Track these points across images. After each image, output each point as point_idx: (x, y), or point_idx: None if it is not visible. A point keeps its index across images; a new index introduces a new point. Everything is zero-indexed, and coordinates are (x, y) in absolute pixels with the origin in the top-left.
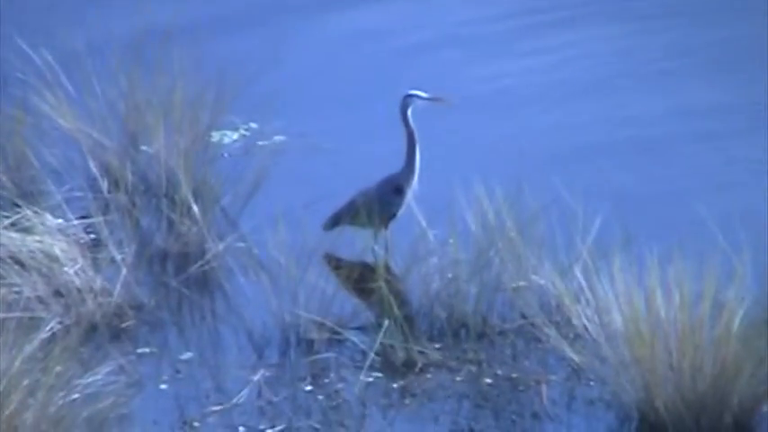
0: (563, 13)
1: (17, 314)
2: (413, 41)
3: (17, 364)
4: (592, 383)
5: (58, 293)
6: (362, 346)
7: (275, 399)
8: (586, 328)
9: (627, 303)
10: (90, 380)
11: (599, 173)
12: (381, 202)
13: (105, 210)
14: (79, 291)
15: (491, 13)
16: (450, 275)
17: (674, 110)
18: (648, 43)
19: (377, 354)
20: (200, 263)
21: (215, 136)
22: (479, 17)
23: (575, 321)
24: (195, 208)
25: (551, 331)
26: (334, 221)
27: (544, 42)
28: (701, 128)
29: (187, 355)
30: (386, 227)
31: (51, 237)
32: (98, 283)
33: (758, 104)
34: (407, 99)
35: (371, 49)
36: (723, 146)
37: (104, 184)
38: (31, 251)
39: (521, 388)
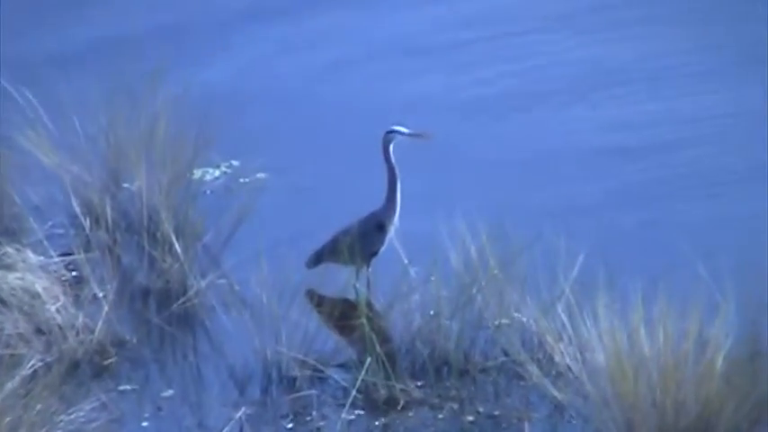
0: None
1: None
2: (394, 70)
3: None
4: (574, 421)
5: (39, 331)
6: (344, 384)
7: None
8: (569, 366)
9: (610, 340)
10: (72, 416)
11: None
12: (363, 240)
13: (87, 247)
14: (61, 328)
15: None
16: (432, 312)
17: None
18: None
19: (359, 391)
20: (181, 300)
21: (197, 173)
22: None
23: (557, 359)
24: (177, 245)
25: (534, 369)
26: (317, 259)
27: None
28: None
29: (169, 392)
30: (368, 264)
31: (33, 274)
32: (80, 320)
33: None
34: (389, 135)
35: (350, 79)
36: (707, 179)
37: (86, 222)
38: (12, 288)
39: (503, 425)
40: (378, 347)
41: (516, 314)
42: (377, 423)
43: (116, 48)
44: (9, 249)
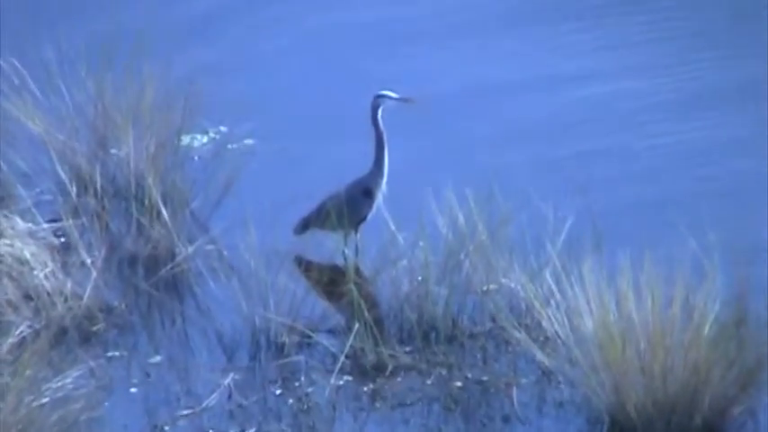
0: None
1: None
2: (384, 37)
3: None
4: (562, 386)
5: (27, 297)
6: (333, 350)
7: (245, 402)
8: (556, 332)
9: (597, 306)
10: (60, 383)
11: (569, 175)
12: (351, 206)
13: (75, 213)
14: (49, 294)
15: (469, 15)
16: (419, 278)
17: (644, 109)
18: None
19: (347, 357)
20: (169, 266)
21: (184, 139)
22: (453, 13)
23: (545, 324)
24: (165, 211)
25: (521, 334)
26: (305, 225)
27: (517, 42)
28: (671, 130)
29: (157, 359)
30: (356, 230)
31: (21, 240)
32: (68, 286)
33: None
34: (378, 99)
35: (341, 47)
36: (696, 151)
37: (74, 188)
38: (0, 255)
39: (491, 391)
40: (366, 313)
41: (504, 280)
42: (365, 389)
43: (102, 12)
44: None
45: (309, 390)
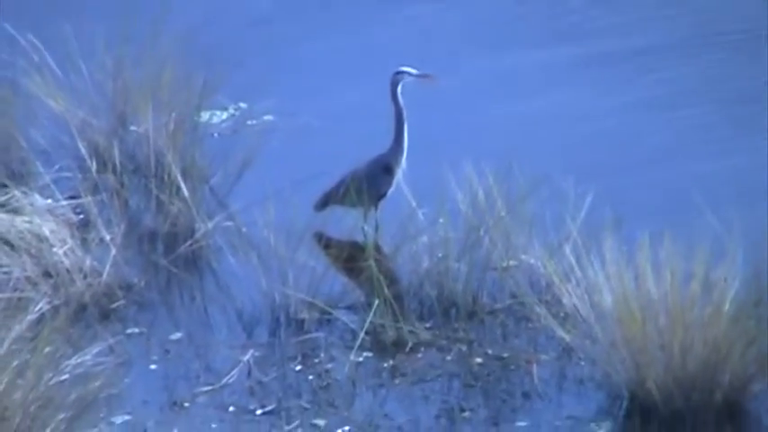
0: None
1: (6, 295)
2: (405, 15)
3: (6, 344)
4: (582, 363)
5: (47, 274)
6: (352, 326)
7: (265, 379)
8: (576, 308)
9: (617, 283)
10: (79, 360)
11: (591, 152)
12: (371, 182)
13: (94, 190)
14: (68, 271)
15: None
16: (439, 254)
17: (668, 94)
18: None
19: (367, 333)
20: (189, 242)
21: (204, 116)
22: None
23: (565, 301)
24: (184, 187)
25: (541, 311)
26: (324, 201)
27: (547, 34)
28: (692, 112)
29: (176, 335)
30: (375, 206)
31: (40, 217)
32: (87, 263)
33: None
34: (397, 76)
35: (361, 25)
36: (714, 127)
37: (93, 165)
38: (19, 232)
39: (511, 367)
40: (386, 290)
41: (524, 256)
42: (385, 365)
43: None
44: (16, 193)
45: (329, 366)
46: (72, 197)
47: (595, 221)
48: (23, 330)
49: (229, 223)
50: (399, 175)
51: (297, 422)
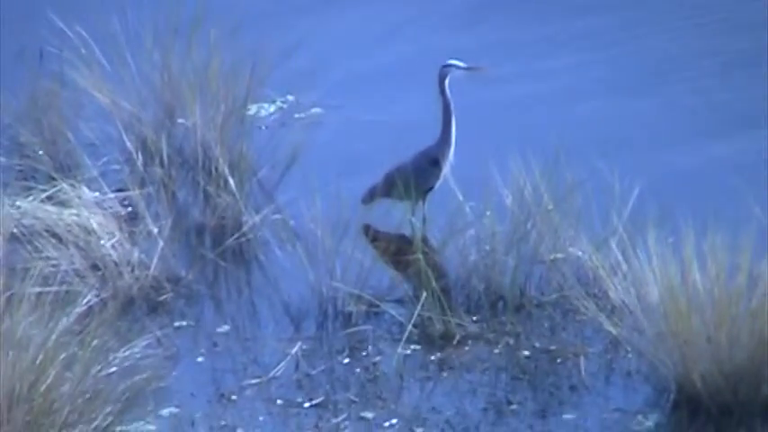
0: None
1: (54, 288)
2: (455, 10)
3: (54, 337)
4: (629, 355)
5: (94, 267)
6: (400, 319)
7: (312, 372)
8: (623, 301)
9: (663, 276)
10: (127, 353)
11: (635, 150)
12: (418, 175)
13: (142, 183)
14: (116, 264)
15: None
16: (487, 248)
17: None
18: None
19: (414, 326)
20: (236, 235)
21: (251, 109)
22: None
23: (611, 294)
24: (231, 181)
25: (589, 304)
26: (372, 195)
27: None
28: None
29: (224, 328)
30: (423, 200)
31: (88, 210)
32: (135, 256)
33: None
34: (445, 69)
35: (408, 19)
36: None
37: (140, 158)
38: (67, 225)
39: (558, 360)
40: (433, 282)
41: (571, 249)
42: (432, 358)
43: None
44: (64, 186)
45: (377, 359)
46: (119, 190)
47: (642, 213)
48: (71, 323)
49: (277, 216)
50: (447, 168)
51: (344, 415)
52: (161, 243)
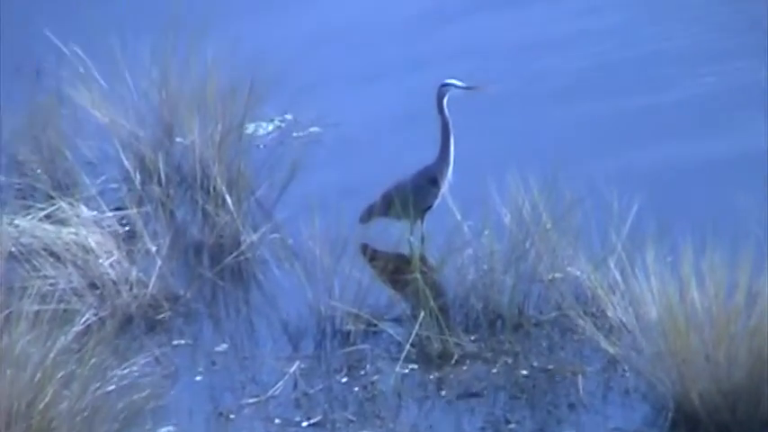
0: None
1: (52, 306)
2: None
3: (52, 355)
4: (627, 374)
5: (93, 285)
6: (398, 338)
7: (311, 390)
8: (621, 320)
9: (661, 294)
10: (125, 371)
11: (632, 162)
12: (416, 194)
13: (140, 202)
14: (114, 282)
15: None
16: (485, 267)
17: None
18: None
19: (413, 345)
20: (234, 254)
21: (249, 127)
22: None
23: (610, 313)
24: (229, 199)
25: (587, 323)
26: (370, 213)
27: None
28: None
29: (222, 347)
30: (421, 218)
31: (86, 229)
32: (133, 274)
33: None
34: (444, 88)
35: (406, 36)
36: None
37: (138, 176)
38: (66, 243)
39: (557, 379)
40: (431, 301)
41: (569, 268)
42: (431, 377)
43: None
44: (63, 204)
45: (375, 378)
46: (118, 209)
47: (640, 231)
48: (69, 342)
49: (275, 235)
50: (445, 187)
51: None
52: (159, 262)
